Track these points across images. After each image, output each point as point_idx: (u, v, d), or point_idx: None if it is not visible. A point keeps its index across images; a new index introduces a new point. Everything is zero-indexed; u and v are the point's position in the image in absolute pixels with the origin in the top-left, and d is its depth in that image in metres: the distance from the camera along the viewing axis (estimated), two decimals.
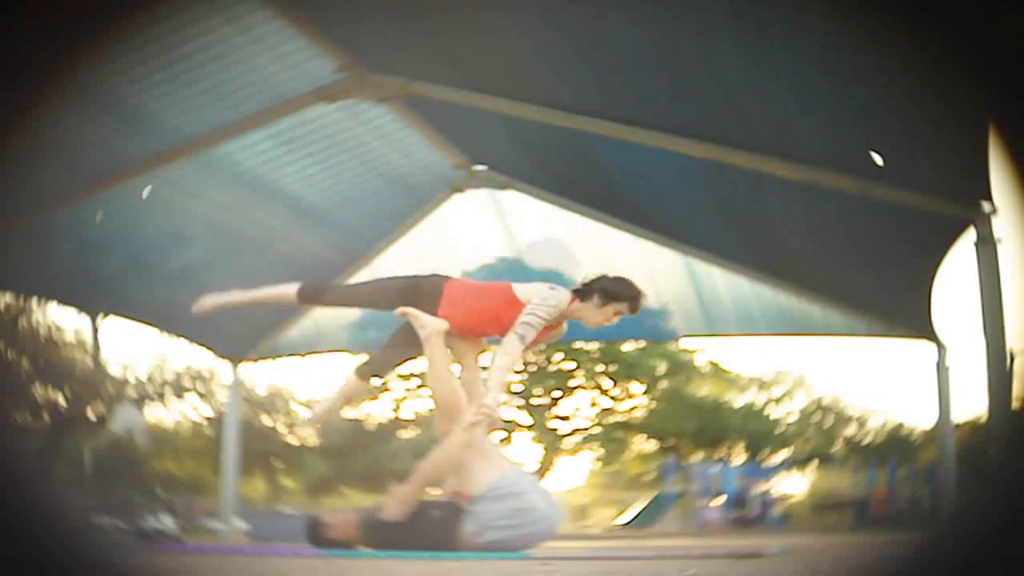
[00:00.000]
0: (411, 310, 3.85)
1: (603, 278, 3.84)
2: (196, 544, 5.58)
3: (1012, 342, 4.10)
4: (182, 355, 15.36)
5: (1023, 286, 3.72)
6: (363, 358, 4.25)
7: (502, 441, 16.12)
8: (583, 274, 3.94)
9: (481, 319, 3.85)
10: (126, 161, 5.49)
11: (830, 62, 3.75)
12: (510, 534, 3.59)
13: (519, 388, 16.87)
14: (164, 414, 16.04)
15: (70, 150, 5.07)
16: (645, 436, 18.79)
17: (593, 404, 17.64)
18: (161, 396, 15.22)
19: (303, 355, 8.55)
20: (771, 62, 3.96)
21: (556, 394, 17.28)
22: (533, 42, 4.46)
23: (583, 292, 3.81)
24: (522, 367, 16.80)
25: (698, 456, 17.15)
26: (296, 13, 4.56)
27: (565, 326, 3.99)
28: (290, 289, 4.14)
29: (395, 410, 17.30)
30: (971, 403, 13.94)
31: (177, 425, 16.79)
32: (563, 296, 3.77)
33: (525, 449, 17.84)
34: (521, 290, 3.80)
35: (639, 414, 18.02)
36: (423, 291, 3.94)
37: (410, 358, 4.12)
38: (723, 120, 4.67)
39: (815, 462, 18.52)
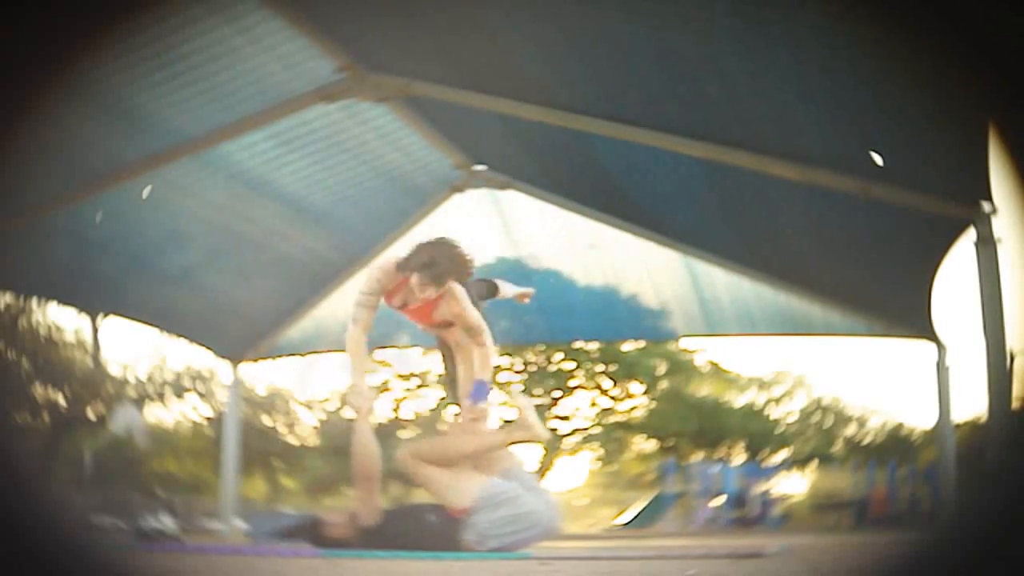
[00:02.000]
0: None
1: (414, 248, 3.73)
2: (196, 544, 5.58)
3: (1012, 342, 4.10)
4: (182, 355, 15.38)
5: (1023, 286, 3.72)
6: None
7: None
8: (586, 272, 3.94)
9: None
10: (126, 161, 5.49)
11: (831, 62, 3.75)
12: (509, 541, 3.59)
13: (519, 388, 16.87)
14: (164, 414, 16.05)
15: (70, 150, 5.07)
16: (645, 436, 18.79)
17: (593, 404, 17.64)
18: (161, 396, 15.23)
19: (303, 355, 8.55)
20: (772, 62, 3.96)
21: (556, 394, 17.27)
22: (533, 42, 4.46)
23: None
24: (522, 367, 16.80)
25: (698, 456, 17.15)
26: (296, 13, 4.56)
27: (458, 302, 3.83)
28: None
29: (395, 410, 17.31)
30: (971, 403, 13.93)
31: (177, 425, 16.80)
32: (373, 270, 3.78)
33: (525, 449, 17.86)
34: None
35: (639, 414, 18.02)
36: None
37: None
38: (723, 120, 4.67)
39: (815, 462, 18.52)
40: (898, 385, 34.38)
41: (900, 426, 19.59)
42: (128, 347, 22.02)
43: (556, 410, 17.43)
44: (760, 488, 14.01)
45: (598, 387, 17.39)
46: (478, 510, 3.59)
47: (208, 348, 8.08)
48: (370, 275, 3.76)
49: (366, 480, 3.83)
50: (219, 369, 14.35)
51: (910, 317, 6.37)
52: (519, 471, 3.81)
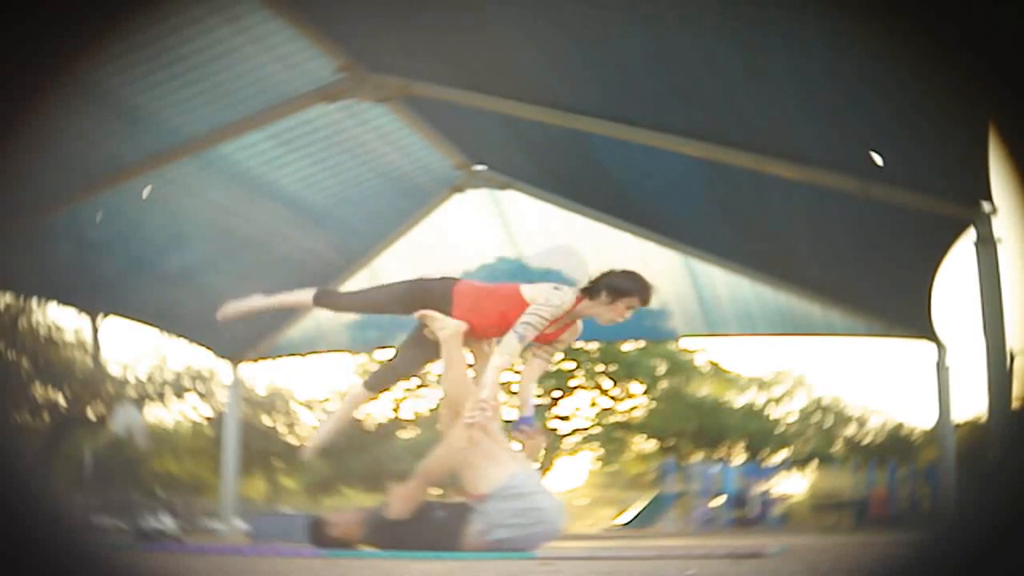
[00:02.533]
0: (430, 312, 3.87)
1: (609, 274, 3.82)
2: (196, 544, 5.58)
3: (1012, 342, 4.10)
4: (182, 355, 15.37)
5: (1023, 286, 3.72)
6: (364, 365, 4.36)
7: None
8: (588, 274, 3.93)
9: (491, 321, 3.85)
10: (126, 161, 5.49)
11: (830, 62, 3.75)
12: (516, 533, 3.61)
13: (519, 388, 16.83)
14: (164, 414, 16.04)
15: (70, 150, 5.07)
16: (645, 436, 18.79)
17: (593, 404, 17.64)
18: (161, 396, 15.22)
19: (303, 355, 8.54)
20: (771, 62, 3.96)
21: (556, 394, 17.28)
22: (533, 42, 4.46)
23: (591, 290, 3.80)
24: (523, 366, 16.77)
25: (698, 456, 17.15)
26: (296, 13, 4.56)
27: (580, 325, 3.99)
28: (306, 295, 4.19)
29: (395, 410, 17.31)
30: (971, 403, 13.94)
31: (177, 425, 16.79)
32: (567, 296, 3.78)
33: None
34: (528, 291, 3.82)
35: (639, 414, 18.02)
36: (433, 294, 3.96)
37: (416, 370, 4.13)
38: (723, 120, 4.67)
39: (815, 462, 18.52)
40: (898, 385, 34.41)
41: (900, 426, 19.60)
42: (128, 347, 22.03)
43: (556, 410, 17.44)
44: (760, 488, 14.00)
45: (598, 387, 17.39)
46: (493, 498, 3.61)
47: (208, 348, 8.08)
48: (562, 300, 3.74)
49: (428, 482, 3.82)
50: (219, 369, 14.35)
51: (910, 317, 6.37)
52: (531, 471, 3.82)
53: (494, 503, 3.61)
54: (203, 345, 8.01)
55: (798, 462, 18.29)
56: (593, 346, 16.32)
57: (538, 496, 3.70)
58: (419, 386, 16.88)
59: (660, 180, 5.78)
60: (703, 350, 17.72)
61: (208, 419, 16.04)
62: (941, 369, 6.46)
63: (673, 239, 6.91)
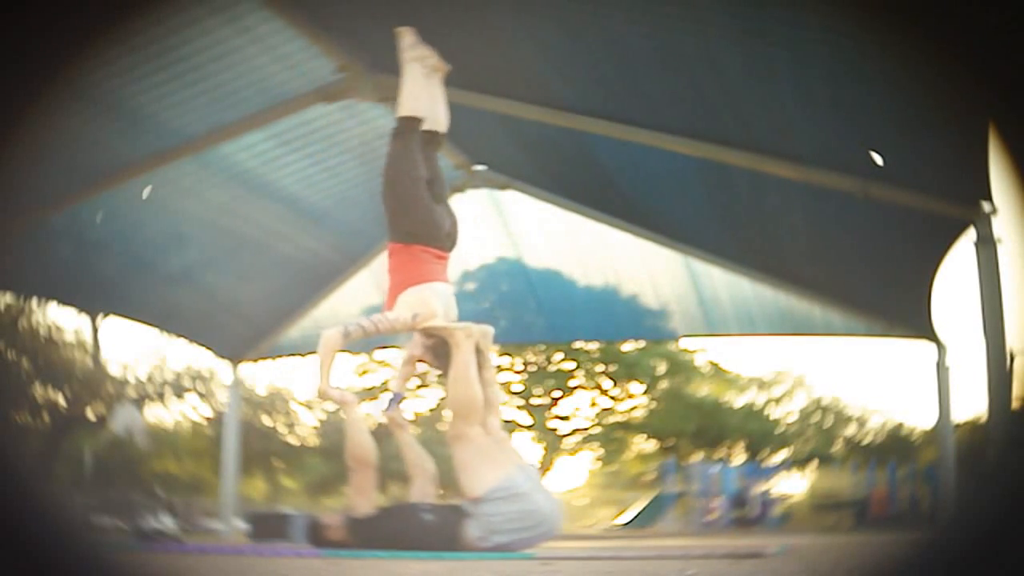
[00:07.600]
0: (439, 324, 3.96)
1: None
2: (196, 544, 5.58)
3: (1012, 342, 4.11)
4: (182, 355, 15.34)
5: (1023, 286, 3.73)
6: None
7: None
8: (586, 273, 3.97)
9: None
10: (126, 161, 5.49)
11: (830, 62, 3.75)
12: (514, 538, 3.59)
13: (519, 388, 16.86)
14: (164, 414, 16.02)
15: (70, 150, 5.07)
16: (645, 436, 18.79)
17: (593, 404, 17.65)
18: (161, 396, 15.20)
19: (303, 355, 8.54)
20: (771, 62, 3.96)
21: (556, 394, 17.28)
22: (533, 42, 4.46)
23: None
24: (522, 367, 16.80)
25: (698, 456, 17.14)
26: (296, 13, 4.57)
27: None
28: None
29: None
30: (971, 403, 13.93)
31: (177, 425, 16.77)
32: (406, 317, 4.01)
33: (525, 449, 17.86)
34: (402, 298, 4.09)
35: (639, 414, 18.03)
36: None
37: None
38: (723, 120, 4.67)
39: (815, 462, 18.52)
40: (898, 385, 34.43)
41: (900, 426, 19.59)
42: (128, 347, 22.01)
43: (556, 410, 17.44)
44: (760, 488, 14.01)
45: (598, 387, 17.39)
46: (488, 501, 3.58)
47: (208, 348, 8.08)
48: (401, 320, 4.06)
49: (361, 467, 3.93)
50: (219, 369, 14.34)
51: (910, 317, 6.37)
52: (527, 468, 3.79)
53: (489, 506, 3.58)
54: (203, 345, 8.01)
55: (798, 462, 18.29)
56: (593, 346, 16.35)
57: (535, 496, 3.66)
58: (419, 386, 16.88)
59: (660, 180, 5.79)
60: (703, 350, 17.74)
61: (208, 419, 16.03)
62: (941, 369, 6.45)
63: (673, 239, 6.91)
